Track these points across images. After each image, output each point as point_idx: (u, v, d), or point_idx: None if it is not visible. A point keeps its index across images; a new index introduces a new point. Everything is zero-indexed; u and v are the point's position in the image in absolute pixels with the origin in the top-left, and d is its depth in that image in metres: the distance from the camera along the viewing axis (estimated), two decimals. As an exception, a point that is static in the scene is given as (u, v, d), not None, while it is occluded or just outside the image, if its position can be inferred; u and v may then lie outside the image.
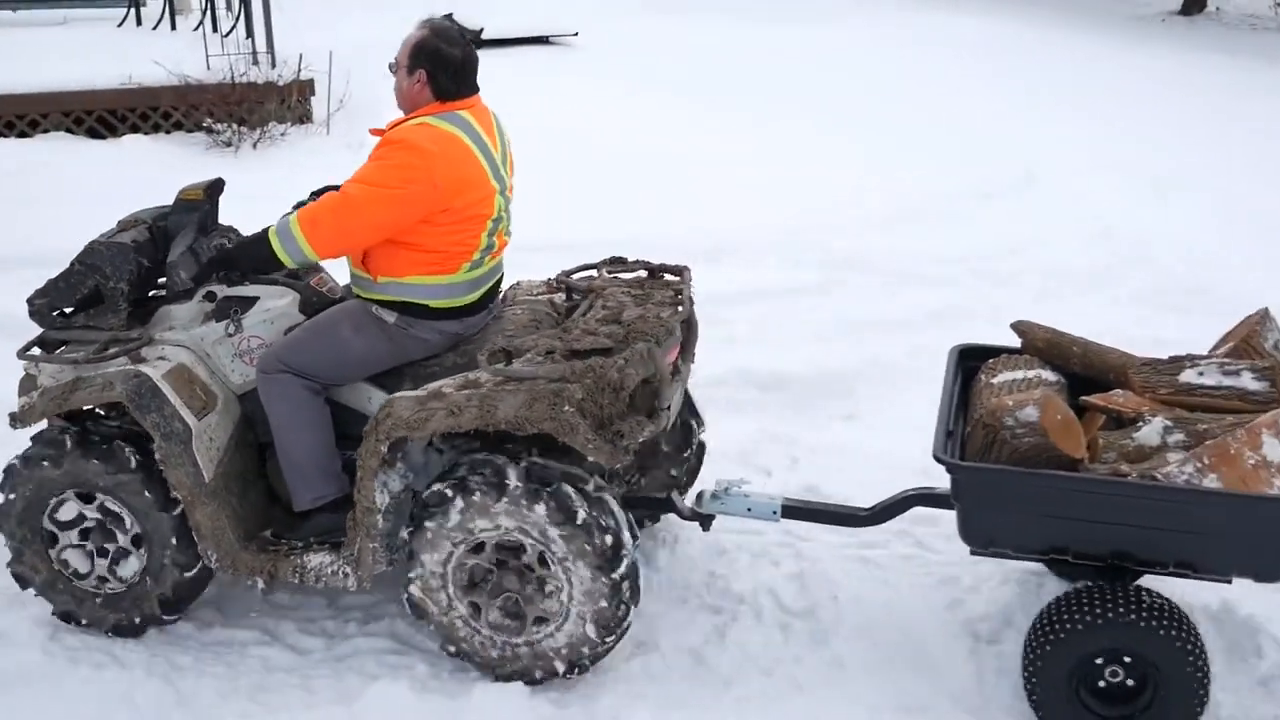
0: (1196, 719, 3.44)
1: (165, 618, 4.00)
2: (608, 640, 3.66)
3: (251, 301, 3.90)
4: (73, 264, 3.83)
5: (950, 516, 3.66)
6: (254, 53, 9.86)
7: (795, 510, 4.07)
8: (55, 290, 3.85)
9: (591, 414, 3.50)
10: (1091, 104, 11.60)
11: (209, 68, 9.48)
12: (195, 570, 3.92)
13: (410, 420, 3.57)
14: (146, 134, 9.61)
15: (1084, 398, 3.76)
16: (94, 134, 9.49)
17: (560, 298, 4.15)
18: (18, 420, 3.86)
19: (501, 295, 4.24)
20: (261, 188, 7.90)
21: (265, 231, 3.77)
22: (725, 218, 7.93)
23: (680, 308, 3.93)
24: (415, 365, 3.88)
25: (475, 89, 3.85)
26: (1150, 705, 3.45)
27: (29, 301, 3.87)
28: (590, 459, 3.54)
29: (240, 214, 5.58)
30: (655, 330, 3.72)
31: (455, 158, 3.68)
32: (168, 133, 9.65)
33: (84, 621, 4.02)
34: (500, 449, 3.68)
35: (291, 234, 3.70)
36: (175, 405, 3.71)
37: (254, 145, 9.26)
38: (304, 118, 9.79)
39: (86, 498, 3.89)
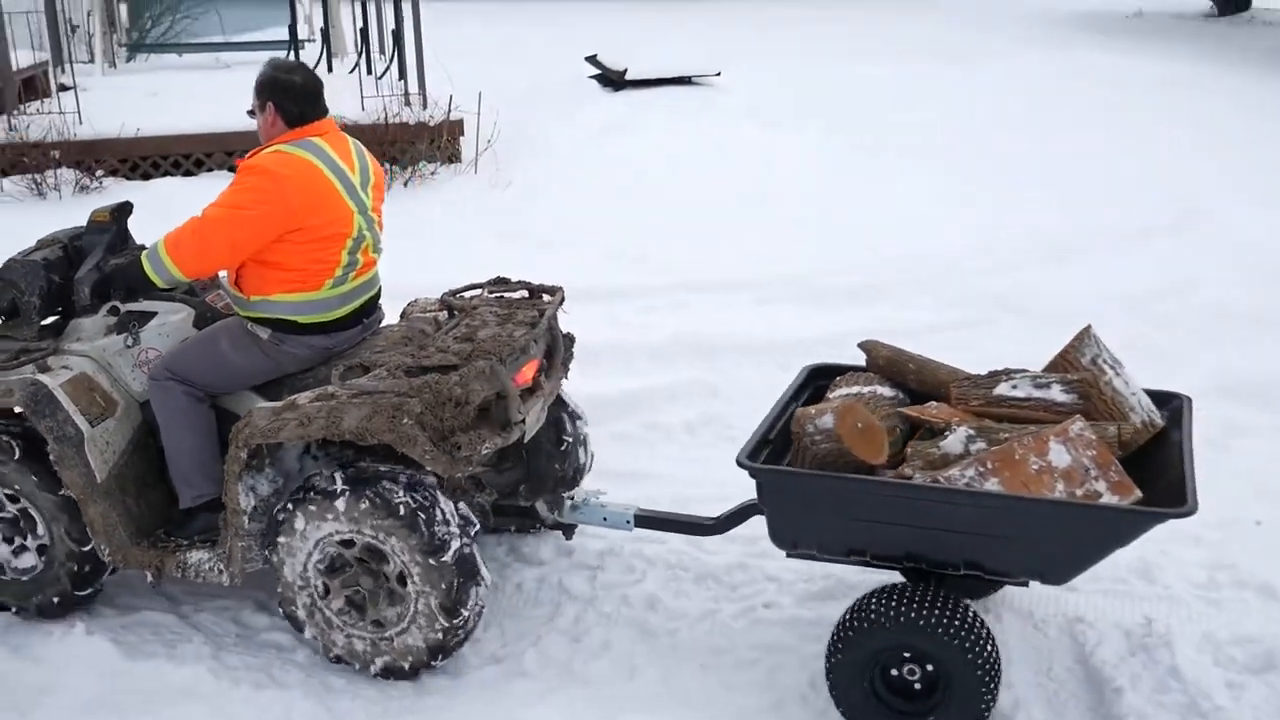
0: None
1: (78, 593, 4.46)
2: (455, 623, 3.99)
3: (150, 316, 4.37)
4: (-9, 279, 4.33)
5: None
6: (406, 94, 10.39)
7: (647, 520, 4.43)
8: (-26, 304, 4.35)
9: (432, 427, 3.86)
10: (1251, 141, 11.28)
11: (364, 109, 10.04)
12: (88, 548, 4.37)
13: (265, 429, 3.97)
14: (303, 172, 10.16)
15: (900, 409, 3.99)
16: (255, 171, 10.08)
17: (444, 316, 4.50)
18: None
19: (402, 310, 4.62)
20: (411, 225, 8.56)
21: (138, 254, 4.22)
22: (873, 257, 8.15)
23: (535, 327, 4.24)
24: (293, 377, 4.28)
25: (324, 112, 4.30)
26: (939, 705, 3.65)
27: (-49, 314, 4.38)
28: (429, 469, 3.89)
29: (395, 247, 6.16)
30: (501, 348, 4.06)
31: (307, 179, 4.11)
32: (323, 170, 10.21)
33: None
34: (363, 458, 4.05)
35: (158, 255, 4.16)
36: (69, 411, 4.16)
37: (405, 184, 9.79)
38: (453, 157, 10.31)
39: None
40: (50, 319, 4.48)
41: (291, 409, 3.97)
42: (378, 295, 4.50)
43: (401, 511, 3.91)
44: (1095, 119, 11.81)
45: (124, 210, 4.54)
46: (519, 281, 4.61)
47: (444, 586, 3.93)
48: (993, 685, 3.64)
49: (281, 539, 4.10)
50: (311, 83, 4.30)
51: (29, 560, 4.42)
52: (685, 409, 6.21)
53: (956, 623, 3.59)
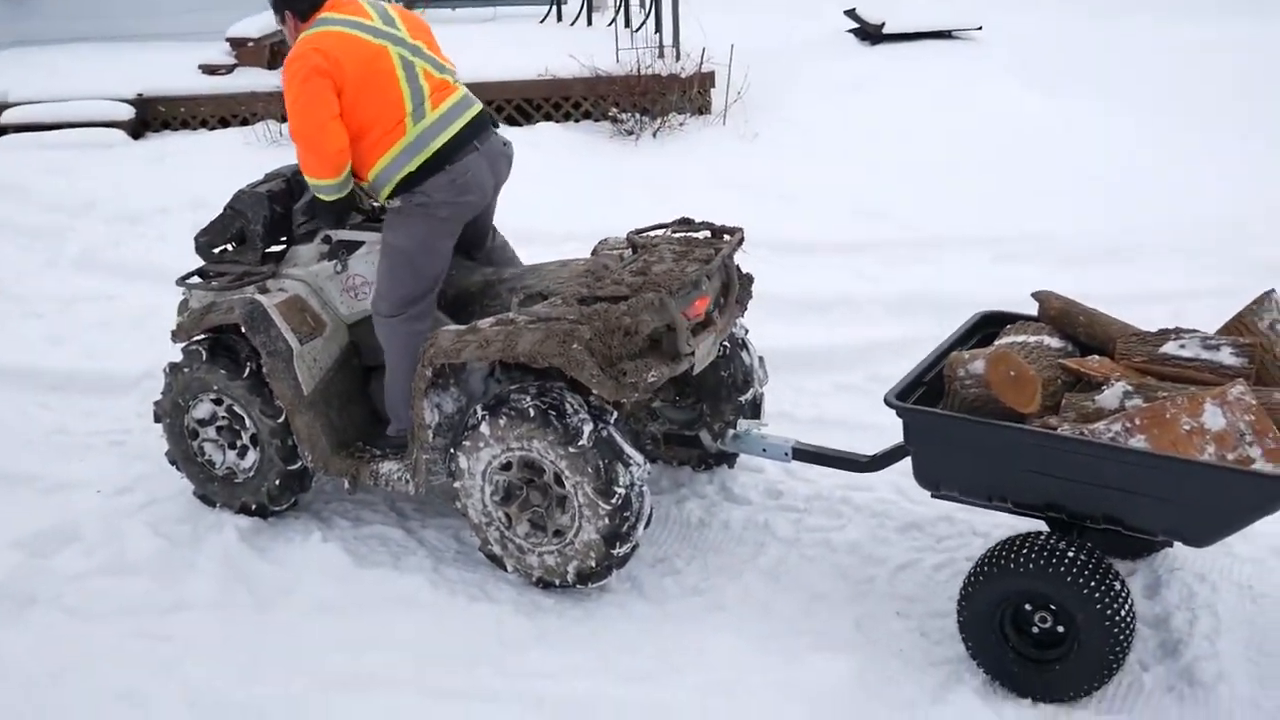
0: (1105, 679, 3.71)
1: (274, 508, 4.96)
2: (614, 504, 4.23)
3: (358, 245, 4.78)
4: (225, 208, 4.85)
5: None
6: (660, 46, 10.62)
7: (804, 453, 4.56)
8: (212, 230, 4.90)
9: (600, 353, 4.14)
10: None
11: (618, 60, 10.36)
12: (296, 467, 4.82)
13: (448, 349, 4.33)
14: (558, 121, 10.67)
15: (1060, 360, 3.98)
16: (512, 121, 10.68)
17: (629, 252, 4.74)
18: (174, 336, 4.91)
19: (593, 247, 4.92)
20: (659, 174, 9.07)
21: None
22: (1128, 220, 7.95)
23: (709, 264, 4.43)
24: (483, 306, 4.60)
25: None
26: (1068, 655, 3.68)
27: (195, 239, 4.94)
28: (595, 392, 4.16)
29: (640, 197, 6.53)
30: (671, 282, 4.27)
31: (323, 41, 4.45)
32: (577, 121, 10.67)
33: (217, 504, 5.03)
34: (546, 383, 4.35)
35: (307, 179, 4.64)
36: (281, 329, 4.64)
37: (654, 134, 10.06)
38: (703, 109, 10.51)
39: (218, 400, 4.87)
40: (276, 247, 4.94)
41: (473, 332, 4.31)
42: (481, 115, 4.72)
43: (532, 414, 4.22)
44: None
45: None
46: (702, 222, 4.79)
47: (591, 470, 4.20)
48: (1123, 643, 3.65)
49: (458, 484, 4.48)
50: None
51: (251, 458, 4.94)
52: (912, 363, 6.22)
53: (1090, 576, 3.61)
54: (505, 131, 10.48)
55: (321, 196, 4.65)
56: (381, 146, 4.53)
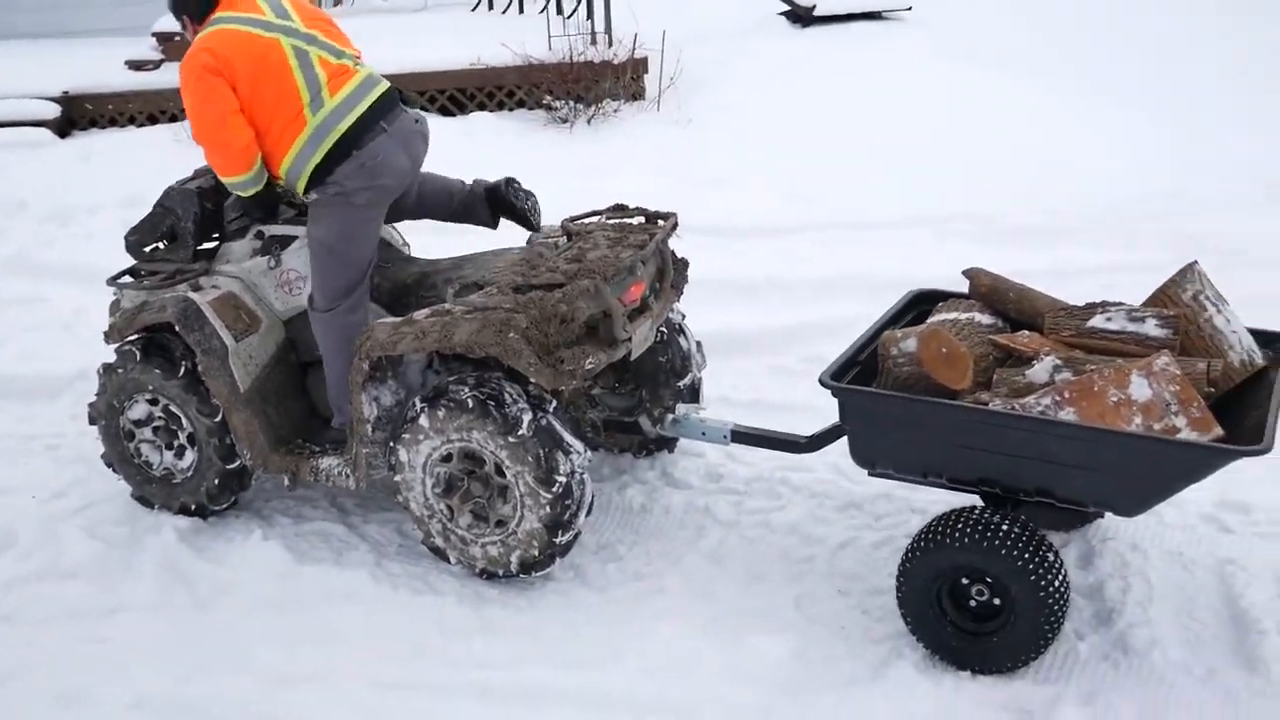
0: (1041, 649, 3.79)
1: (213, 507, 4.94)
2: (555, 492, 4.25)
3: (291, 240, 4.77)
4: (154, 206, 4.82)
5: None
6: (593, 33, 10.64)
7: (743, 436, 4.61)
8: (142, 228, 4.86)
9: (537, 341, 4.15)
10: None
11: (550, 48, 10.37)
12: (234, 465, 4.80)
13: (384, 341, 4.34)
14: (491, 111, 10.64)
15: (991, 336, 4.04)
16: (445, 111, 10.65)
17: (564, 240, 4.76)
18: (106, 336, 4.88)
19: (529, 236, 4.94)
20: (594, 161, 9.08)
21: None
22: (1061, 197, 8.05)
23: (643, 249, 4.46)
24: (419, 298, 4.61)
25: None
26: (1005, 627, 3.75)
27: (125, 237, 4.90)
28: (533, 381, 4.17)
29: (575, 185, 6.52)
30: (606, 268, 4.29)
31: (215, 40, 4.45)
32: (510, 110, 10.65)
33: (155, 505, 4.99)
34: (484, 373, 4.36)
35: (223, 180, 4.65)
36: (215, 326, 4.63)
37: (588, 121, 10.08)
38: (637, 95, 10.54)
39: (154, 400, 4.84)
40: (209, 244, 4.91)
41: (409, 324, 4.31)
42: (387, 95, 4.68)
43: (471, 404, 4.24)
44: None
45: None
46: (636, 208, 4.81)
47: (532, 460, 4.22)
48: (1058, 613, 3.73)
49: (398, 478, 4.49)
50: None
51: (189, 458, 4.92)
52: (846, 343, 6.30)
53: (1024, 548, 3.67)
54: (440, 123, 10.46)
55: (240, 194, 4.65)
56: (285, 140, 4.50)
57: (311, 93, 4.49)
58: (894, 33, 11.64)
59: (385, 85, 4.71)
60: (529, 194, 5.04)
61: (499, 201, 5.03)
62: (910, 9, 11.98)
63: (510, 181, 5.06)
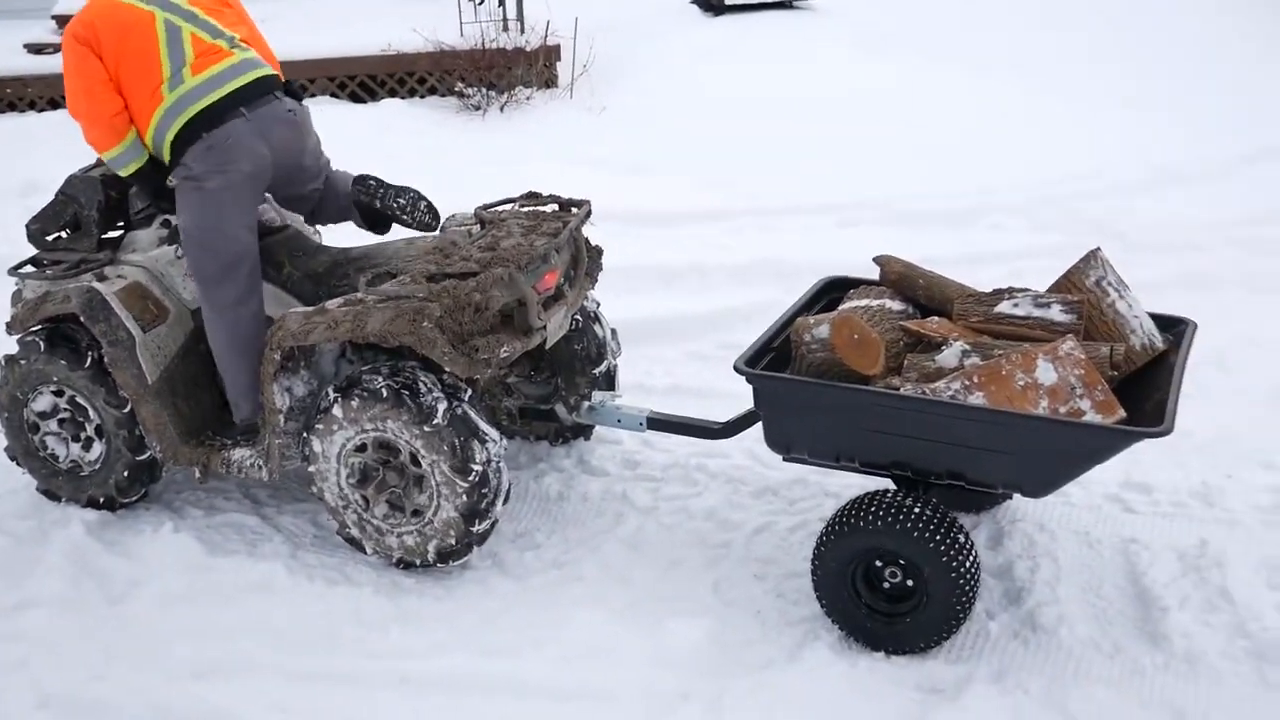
0: (952, 629, 3.88)
1: (123, 500, 4.88)
2: (471, 480, 4.26)
3: (198, 228, 4.69)
4: (56, 194, 4.74)
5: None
6: (505, 20, 10.69)
7: (659, 422, 4.66)
8: (44, 217, 4.77)
9: (451, 330, 4.15)
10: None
11: (463, 34, 10.39)
12: (144, 457, 4.75)
13: (296, 331, 4.31)
14: (403, 98, 10.63)
15: (901, 322, 4.11)
16: (356, 98, 10.62)
17: (477, 228, 4.75)
18: (8, 328, 4.80)
19: (441, 224, 4.91)
20: (507, 149, 9.08)
21: None
22: (966, 182, 8.20)
23: (557, 237, 4.47)
24: (330, 288, 4.58)
25: None
26: (917, 608, 3.82)
27: (26, 226, 4.81)
28: (447, 369, 4.17)
29: (488, 173, 6.43)
30: (520, 257, 4.30)
31: (92, 11, 4.43)
32: (422, 97, 10.66)
33: (62, 498, 4.93)
34: (398, 363, 4.35)
35: (100, 156, 4.59)
36: (121, 317, 4.56)
37: (501, 109, 10.12)
38: (549, 82, 10.61)
39: (59, 392, 4.77)
40: (114, 233, 4.84)
41: (321, 313, 4.29)
42: (259, 81, 4.55)
43: (385, 394, 4.23)
44: (1247, 39, 11.45)
45: None
46: (549, 196, 4.83)
47: (447, 449, 4.22)
48: (969, 593, 3.81)
49: (312, 468, 4.47)
50: None
51: (97, 450, 4.86)
52: (761, 330, 6.37)
53: (935, 530, 3.74)
54: (350, 110, 10.38)
55: (120, 172, 4.57)
56: (145, 116, 4.42)
57: (173, 68, 4.39)
58: (804, 21, 11.76)
59: (261, 71, 4.58)
60: (399, 190, 4.84)
61: (361, 206, 4.91)
62: (819, -3, 12.14)
63: (361, 180, 4.87)
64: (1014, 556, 4.40)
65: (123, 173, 4.57)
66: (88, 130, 4.50)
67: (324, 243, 5.08)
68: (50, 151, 8.28)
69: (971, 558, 3.81)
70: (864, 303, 4.31)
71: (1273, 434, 5.14)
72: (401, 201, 4.83)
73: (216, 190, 4.45)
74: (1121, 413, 3.69)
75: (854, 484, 4.68)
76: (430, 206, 4.88)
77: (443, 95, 10.49)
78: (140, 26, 4.40)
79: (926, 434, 3.75)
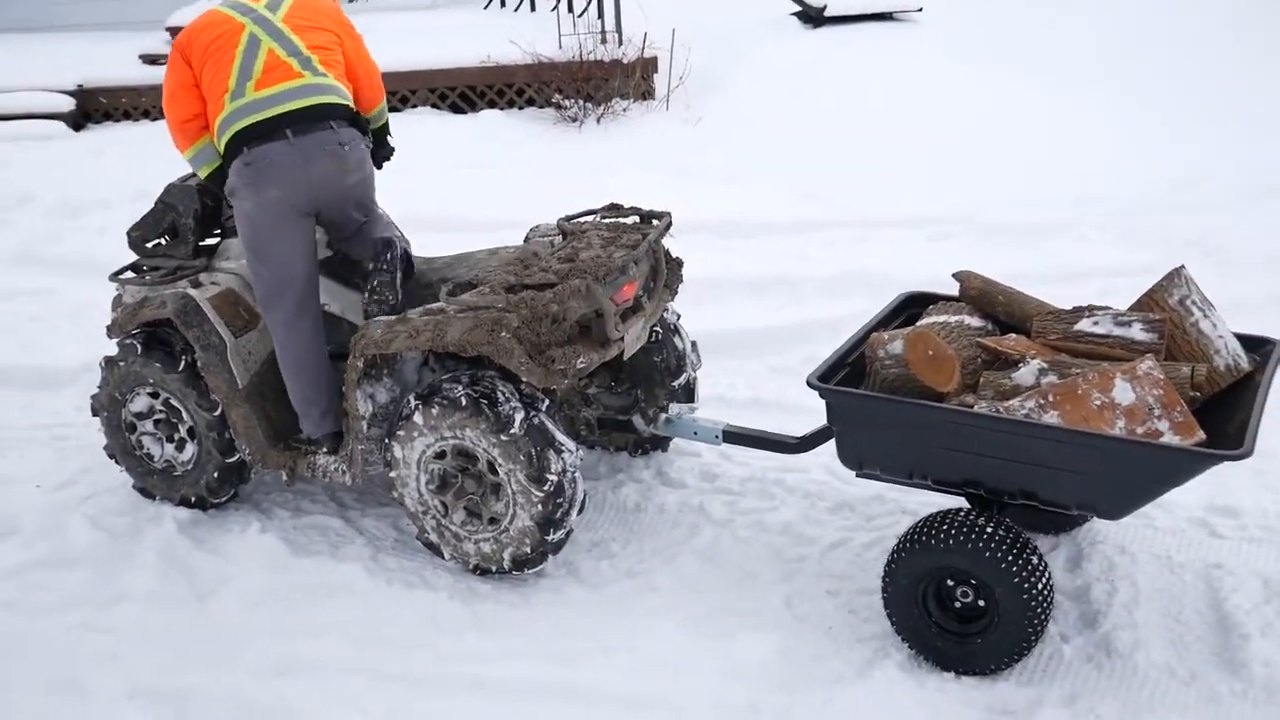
0: (1024, 651, 3.84)
1: (213, 500, 5.00)
2: (547, 490, 4.30)
3: (290, 236, 4.80)
4: (156, 202, 4.88)
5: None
6: (603, 32, 10.75)
7: (735, 436, 4.67)
8: (144, 224, 4.93)
9: (528, 340, 4.21)
10: None
11: (560, 46, 10.48)
12: (234, 459, 4.87)
13: (379, 340, 4.40)
14: (502, 109, 10.78)
15: (979, 339, 4.08)
16: (456, 109, 10.79)
17: (559, 239, 4.80)
18: (109, 331, 4.94)
19: (525, 234, 4.97)
20: (602, 160, 9.20)
21: None
22: (1061, 196, 8.13)
23: (636, 249, 4.50)
24: (424, 289, 4.65)
25: None
26: (988, 629, 3.79)
27: (127, 233, 4.97)
28: (525, 379, 4.23)
29: (581, 183, 6.53)
30: (598, 268, 4.34)
31: (197, 18, 4.59)
32: (520, 108, 10.79)
33: (156, 496, 5.07)
34: (478, 372, 4.42)
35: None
36: (214, 323, 4.69)
37: (598, 120, 10.21)
38: (646, 94, 10.67)
39: (154, 394, 4.91)
40: (211, 240, 4.98)
41: (403, 322, 4.37)
42: (316, 108, 4.51)
43: (464, 402, 4.29)
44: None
45: None
46: (631, 207, 4.86)
47: (524, 458, 4.27)
48: (1041, 615, 3.76)
49: (393, 474, 4.55)
50: None
51: (190, 451, 4.99)
52: (845, 343, 6.39)
53: (1007, 550, 3.71)
54: (450, 120, 10.51)
55: (198, 172, 4.68)
56: (212, 122, 4.52)
57: (239, 80, 4.43)
58: (905, 33, 11.66)
59: (322, 99, 4.52)
60: (388, 283, 4.60)
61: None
62: (921, 10, 12.01)
63: (385, 245, 4.67)
64: (1092, 579, 4.33)
65: (200, 174, 4.68)
66: (171, 134, 4.63)
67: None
68: (161, 160, 8.49)
69: (1045, 579, 3.76)
70: (942, 319, 4.28)
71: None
72: (373, 293, 4.63)
73: (251, 210, 4.50)
74: (1201, 434, 3.62)
75: (932, 502, 4.62)
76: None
77: (540, 106, 10.59)
78: (228, 36, 4.48)
79: (999, 452, 3.71)
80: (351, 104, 4.65)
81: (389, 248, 4.62)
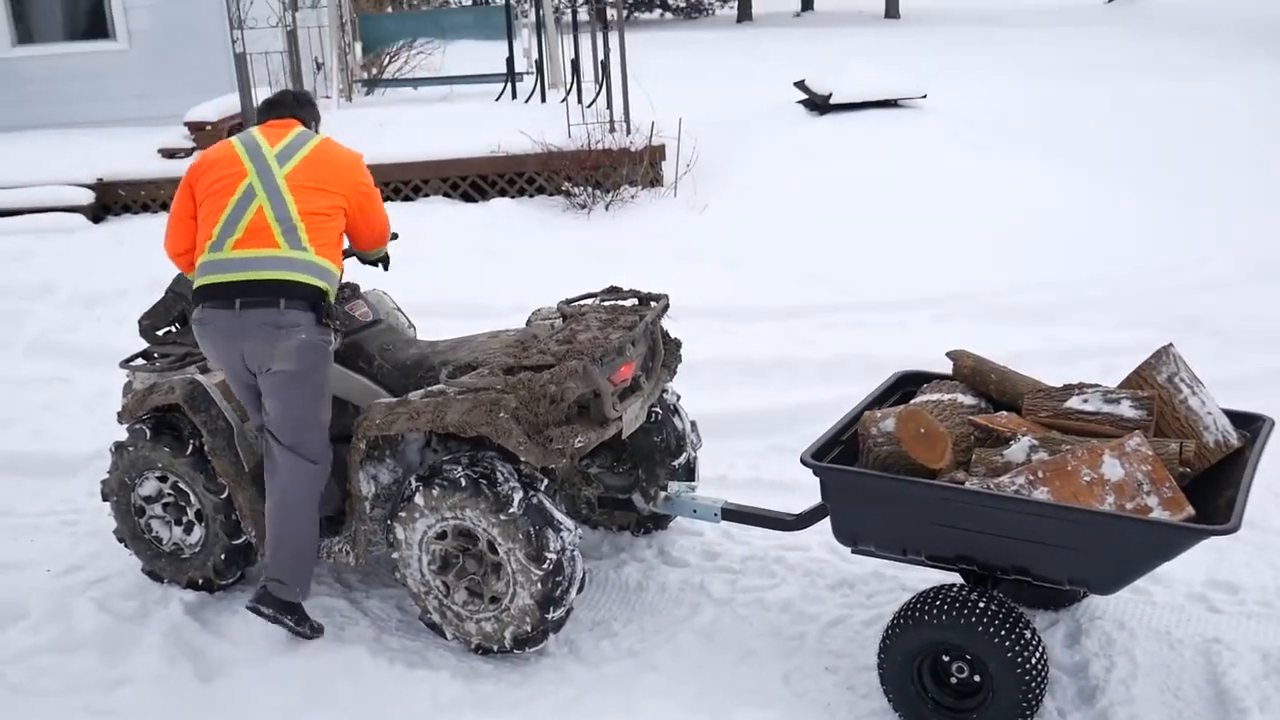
0: (1022, 722, 3.78)
1: (220, 582, 5.02)
2: (546, 568, 4.31)
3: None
4: (166, 291, 4.96)
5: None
6: (611, 121, 10.86)
7: (733, 514, 4.70)
8: (155, 313, 5.00)
9: (527, 420, 4.25)
10: None
11: (570, 136, 10.61)
12: (240, 541, 4.90)
13: (381, 423, 4.44)
14: (512, 197, 10.87)
15: (970, 417, 4.11)
16: (467, 197, 10.91)
17: (559, 321, 4.86)
18: (119, 417, 5.00)
19: (527, 318, 5.03)
20: (610, 246, 9.29)
21: None
22: (1061, 276, 8.23)
23: (633, 330, 4.56)
24: (427, 372, 4.69)
25: (278, 114, 4.75)
26: (984, 704, 3.78)
27: (138, 321, 5.04)
28: (523, 459, 4.26)
29: (589, 269, 6.62)
30: (595, 349, 4.39)
31: (213, 150, 4.63)
32: (530, 196, 10.88)
33: (164, 579, 5.09)
34: (478, 452, 4.45)
35: None
36: (221, 408, 4.74)
37: (606, 207, 10.31)
38: (654, 181, 10.78)
39: (163, 477, 4.95)
40: None
41: (404, 404, 4.42)
42: (275, 284, 4.36)
43: (464, 483, 4.32)
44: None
45: None
46: (629, 290, 4.92)
47: (522, 537, 4.29)
48: (1035, 690, 3.75)
49: (396, 555, 4.58)
50: (276, 96, 4.86)
51: (197, 534, 5.02)
52: (844, 423, 6.42)
53: (1000, 625, 3.71)
54: (461, 209, 10.65)
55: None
56: (194, 255, 4.55)
57: (221, 234, 4.40)
58: (909, 120, 11.79)
59: (290, 275, 4.37)
60: None
61: None
62: (925, 96, 12.15)
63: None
64: (1090, 654, 4.31)
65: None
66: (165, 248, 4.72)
67: (417, 336, 5.23)
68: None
69: (1038, 654, 3.76)
70: (935, 397, 4.32)
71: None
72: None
73: (207, 359, 4.70)
74: (1189, 510, 3.64)
75: (931, 579, 4.63)
76: None
77: (550, 194, 10.72)
78: (228, 182, 4.45)
79: (990, 528, 3.73)
80: (321, 283, 4.43)
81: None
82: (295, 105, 4.82)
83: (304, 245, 4.41)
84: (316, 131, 4.80)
